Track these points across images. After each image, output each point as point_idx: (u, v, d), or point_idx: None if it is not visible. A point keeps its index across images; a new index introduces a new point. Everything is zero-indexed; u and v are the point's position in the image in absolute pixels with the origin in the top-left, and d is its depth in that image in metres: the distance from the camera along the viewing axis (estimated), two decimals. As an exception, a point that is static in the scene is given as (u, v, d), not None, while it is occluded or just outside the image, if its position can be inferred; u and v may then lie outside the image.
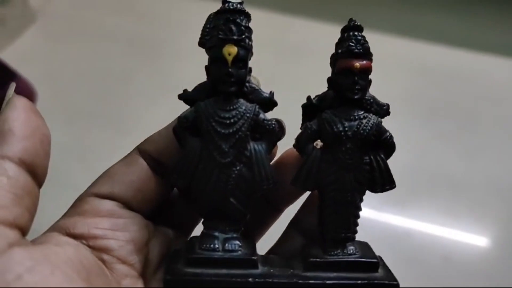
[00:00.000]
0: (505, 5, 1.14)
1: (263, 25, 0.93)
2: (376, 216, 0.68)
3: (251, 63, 0.30)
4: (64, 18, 1.05)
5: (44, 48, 0.98)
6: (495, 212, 0.75)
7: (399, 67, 0.94)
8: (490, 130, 0.88)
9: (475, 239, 0.72)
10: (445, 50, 1.02)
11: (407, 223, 0.70)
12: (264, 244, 0.34)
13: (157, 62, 0.95)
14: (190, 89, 0.30)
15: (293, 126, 0.32)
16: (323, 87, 0.31)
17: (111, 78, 0.93)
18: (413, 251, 0.68)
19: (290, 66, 0.89)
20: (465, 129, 0.87)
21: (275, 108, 0.30)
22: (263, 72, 0.33)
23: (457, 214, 0.74)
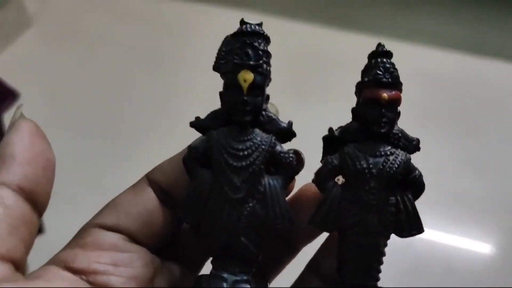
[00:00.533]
0: (508, 9, 1.11)
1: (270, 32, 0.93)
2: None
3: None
4: (60, 23, 1.06)
5: (40, 53, 0.99)
6: (499, 219, 0.73)
7: (400, 72, 0.92)
8: (494, 137, 0.85)
9: (479, 246, 0.70)
10: (446, 55, 1.00)
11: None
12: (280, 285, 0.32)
13: (157, 67, 0.94)
14: (199, 109, 0.28)
15: (313, 157, 0.29)
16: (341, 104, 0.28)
17: (108, 83, 0.93)
18: (415, 260, 0.66)
19: (297, 77, 0.87)
20: (468, 136, 0.85)
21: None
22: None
23: (460, 222, 0.72)
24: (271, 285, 0.32)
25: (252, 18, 0.28)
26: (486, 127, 0.87)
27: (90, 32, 1.03)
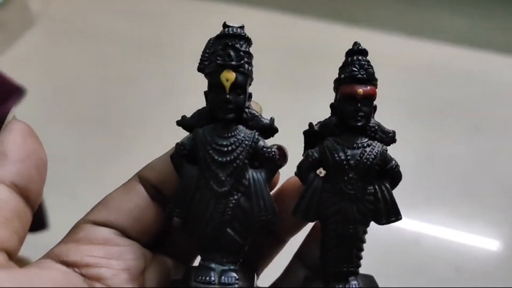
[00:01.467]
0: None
1: (266, 26, 0.92)
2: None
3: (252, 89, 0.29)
4: (63, 21, 1.07)
5: (44, 51, 1.00)
6: (507, 216, 0.72)
7: (409, 67, 0.93)
8: (502, 131, 0.85)
9: (487, 243, 0.69)
10: (455, 50, 1.00)
11: (416, 227, 0.67)
12: (271, 276, 0.33)
13: (160, 64, 0.95)
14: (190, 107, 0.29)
15: (298, 149, 0.30)
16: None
17: (112, 81, 0.93)
18: (422, 257, 0.65)
19: (297, 70, 0.88)
20: (476, 130, 0.85)
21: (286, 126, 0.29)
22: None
23: (468, 217, 0.71)
24: (261, 275, 0.33)
25: (234, 21, 0.29)
26: (495, 122, 0.86)
27: (93, 30, 1.04)
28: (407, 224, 0.68)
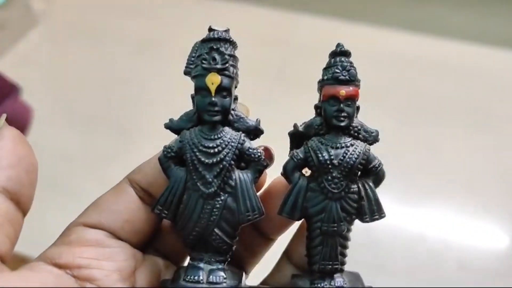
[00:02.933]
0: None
1: (268, 23, 0.92)
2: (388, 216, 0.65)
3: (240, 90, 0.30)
4: (66, 21, 1.06)
5: (47, 51, 0.99)
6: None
7: (411, 63, 0.92)
8: (506, 127, 0.85)
9: (493, 241, 0.69)
10: (459, 46, 1.00)
11: (421, 224, 0.66)
12: (261, 275, 0.34)
13: (163, 64, 0.94)
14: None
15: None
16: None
17: (115, 81, 0.93)
18: (426, 254, 0.64)
19: (297, 66, 0.87)
20: (481, 126, 0.84)
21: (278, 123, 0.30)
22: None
23: (472, 214, 0.71)
24: (251, 274, 0.33)
25: (220, 25, 0.30)
26: (500, 118, 0.86)
27: (96, 30, 1.03)
28: (411, 220, 0.67)
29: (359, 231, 0.31)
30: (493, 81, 0.94)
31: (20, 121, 0.73)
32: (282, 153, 0.31)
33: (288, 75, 0.83)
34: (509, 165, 0.79)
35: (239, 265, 0.32)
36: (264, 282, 0.32)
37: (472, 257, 0.67)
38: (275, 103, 0.81)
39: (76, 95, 0.91)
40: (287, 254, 0.32)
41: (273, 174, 0.31)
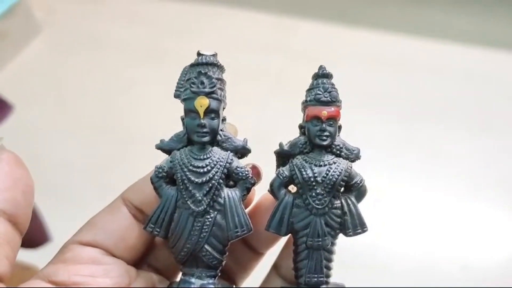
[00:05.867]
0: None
1: (267, 29, 0.92)
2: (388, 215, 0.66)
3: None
4: (69, 29, 1.06)
5: (49, 60, 0.99)
6: None
7: (415, 67, 0.92)
8: (509, 130, 0.85)
9: (496, 243, 0.69)
10: (461, 49, 1.00)
11: (423, 226, 0.67)
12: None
13: (165, 72, 0.95)
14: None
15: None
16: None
17: (117, 89, 0.93)
18: (428, 255, 0.64)
19: (295, 72, 0.88)
20: (483, 129, 0.85)
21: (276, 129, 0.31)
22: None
23: (475, 216, 0.71)
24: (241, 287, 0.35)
25: (208, 49, 0.31)
26: (503, 121, 0.87)
27: (99, 39, 1.04)
28: (413, 222, 0.67)
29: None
30: (495, 84, 0.94)
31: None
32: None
33: (287, 81, 0.84)
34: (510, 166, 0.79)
35: (230, 278, 0.34)
36: (254, 295, 0.33)
37: (476, 259, 0.67)
38: (274, 109, 0.82)
39: (78, 103, 0.92)
40: (275, 268, 0.33)
41: (262, 191, 0.32)
